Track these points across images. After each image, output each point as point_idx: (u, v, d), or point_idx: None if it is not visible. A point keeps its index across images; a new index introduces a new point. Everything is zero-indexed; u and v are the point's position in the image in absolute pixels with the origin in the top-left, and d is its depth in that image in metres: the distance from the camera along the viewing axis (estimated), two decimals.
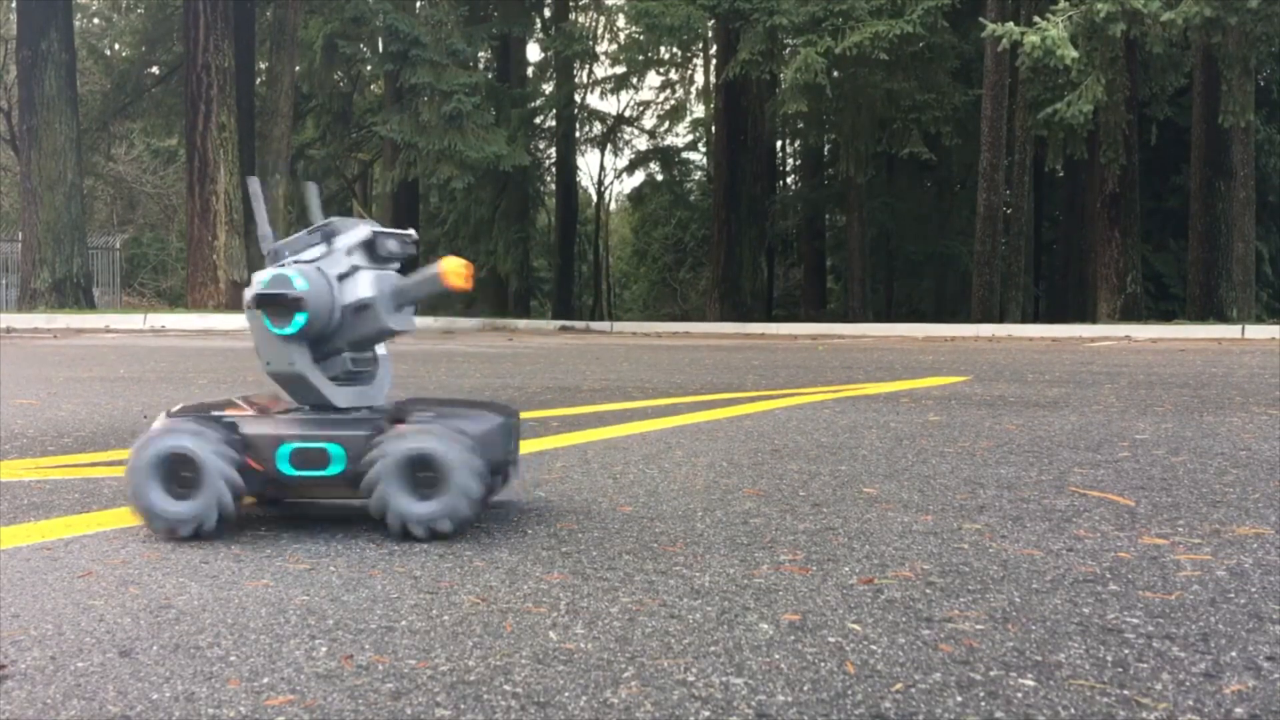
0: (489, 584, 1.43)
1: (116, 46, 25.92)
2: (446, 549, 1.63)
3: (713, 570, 1.51)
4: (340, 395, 1.74)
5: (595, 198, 33.94)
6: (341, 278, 1.70)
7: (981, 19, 16.52)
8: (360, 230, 1.71)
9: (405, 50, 20.30)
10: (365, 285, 1.69)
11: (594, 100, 32.56)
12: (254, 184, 1.85)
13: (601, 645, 1.18)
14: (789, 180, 32.96)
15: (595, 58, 28.58)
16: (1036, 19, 15.25)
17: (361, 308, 1.70)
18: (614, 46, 30.46)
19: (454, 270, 1.65)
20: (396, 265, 1.77)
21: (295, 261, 1.72)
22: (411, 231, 1.79)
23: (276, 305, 1.66)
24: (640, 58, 27.77)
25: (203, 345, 9.62)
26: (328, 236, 1.71)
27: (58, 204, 17.43)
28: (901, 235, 26.61)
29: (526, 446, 2.82)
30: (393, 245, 1.73)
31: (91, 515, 1.88)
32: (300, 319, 1.66)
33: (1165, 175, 23.48)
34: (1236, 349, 10.20)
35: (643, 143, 33.36)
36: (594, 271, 33.04)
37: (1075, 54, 14.67)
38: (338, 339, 1.73)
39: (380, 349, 1.83)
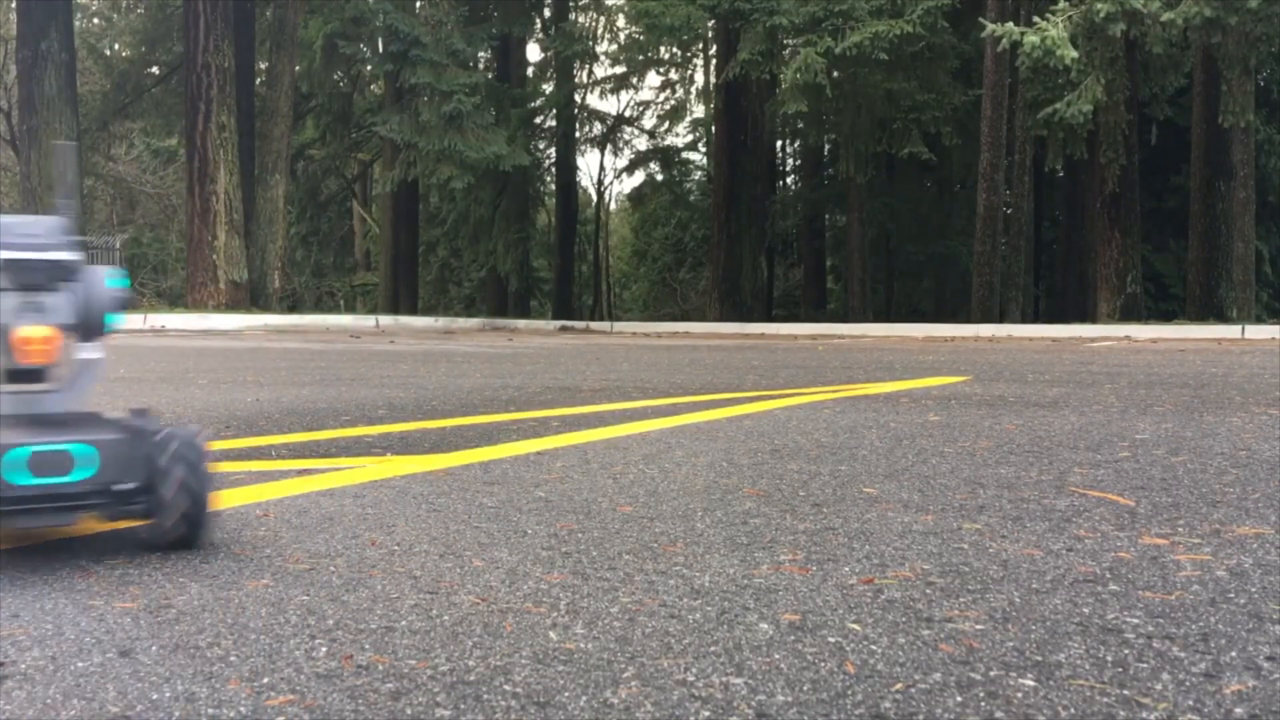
0: (489, 584, 1.43)
1: (116, 46, 25.92)
2: (446, 549, 1.63)
3: (713, 570, 1.51)
4: None
5: (595, 198, 33.93)
6: None
7: (981, 19, 16.52)
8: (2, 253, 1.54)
9: (405, 50, 20.31)
10: None
11: (594, 100, 32.54)
12: (66, 150, 1.75)
13: (601, 645, 1.18)
14: (789, 180, 32.96)
15: (595, 58, 28.59)
16: (1036, 19, 15.25)
17: None
18: (614, 46, 30.47)
19: (20, 343, 1.53)
20: (57, 288, 1.57)
21: None
22: (64, 256, 1.58)
23: None
24: (640, 58, 27.80)
25: (203, 345, 9.62)
26: None
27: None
28: (901, 235, 26.60)
29: (527, 446, 2.82)
30: (36, 276, 1.54)
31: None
32: None
33: (1165, 175, 23.49)
34: (1236, 349, 10.20)
35: (643, 143, 33.38)
36: (594, 271, 33.04)
37: (1075, 54, 14.67)
38: None
39: (91, 352, 1.64)
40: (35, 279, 1.54)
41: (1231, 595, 1.39)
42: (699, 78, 33.27)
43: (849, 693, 1.04)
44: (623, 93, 30.97)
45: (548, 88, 28.74)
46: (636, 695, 1.03)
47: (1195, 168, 20.09)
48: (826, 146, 27.38)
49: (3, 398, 1.57)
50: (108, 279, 1.60)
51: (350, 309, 30.16)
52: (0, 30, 24.98)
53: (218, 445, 2.81)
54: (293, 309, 21.88)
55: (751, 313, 23.68)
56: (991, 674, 1.09)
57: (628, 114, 33.36)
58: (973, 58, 20.55)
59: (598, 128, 31.74)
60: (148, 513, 1.58)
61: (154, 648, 1.17)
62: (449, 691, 1.04)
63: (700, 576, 1.48)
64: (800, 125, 24.67)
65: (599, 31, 31.13)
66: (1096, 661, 1.13)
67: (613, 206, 37.26)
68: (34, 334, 1.51)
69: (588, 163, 77.08)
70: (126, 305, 1.64)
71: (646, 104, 33.98)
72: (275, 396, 4.30)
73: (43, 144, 17.36)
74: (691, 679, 1.07)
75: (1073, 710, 1.00)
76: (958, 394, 4.66)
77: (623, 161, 36.13)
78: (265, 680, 1.07)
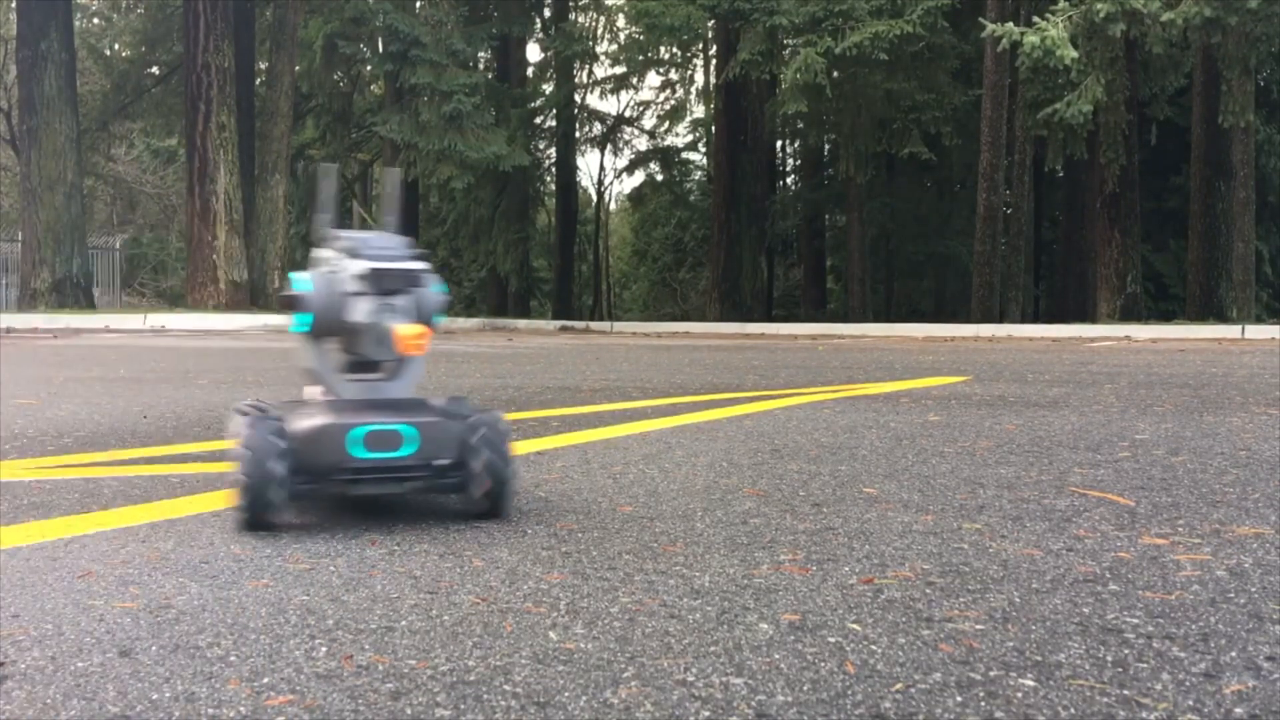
0: (489, 584, 1.43)
1: (116, 46, 25.89)
2: (446, 549, 1.64)
3: (713, 570, 1.51)
4: (348, 389, 1.85)
5: (595, 198, 33.93)
6: (346, 295, 1.81)
7: (981, 19, 16.51)
8: (362, 264, 1.80)
9: (405, 50, 20.30)
10: (357, 313, 1.80)
11: (594, 100, 32.51)
12: (328, 169, 1.97)
13: (601, 645, 1.18)
14: (789, 180, 32.94)
15: (595, 58, 28.57)
16: (1036, 19, 15.24)
17: (354, 330, 1.83)
18: (614, 46, 30.45)
19: (403, 338, 1.76)
20: (407, 292, 1.82)
21: (317, 265, 1.86)
22: (414, 266, 1.83)
23: (288, 303, 1.82)
24: (640, 58, 27.78)
25: (203, 345, 9.63)
26: (348, 252, 1.82)
27: (58, 204, 17.42)
28: (901, 235, 26.59)
29: (527, 446, 2.82)
30: (394, 283, 1.81)
31: (91, 515, 1.88)
32: (302, 319, 1.80)
33: (1165, 175, 23.48)
34: (1236, 349, 10.20)
35: (643, 143, 33.35)
36: (594, 271, 33.03)
37: (1075, 54, 14.66)
38: (347, 346, 1.87)
39: None
40: (392, 285, 1.80)
41: (1231, 595, 1.39)
42: (699, 78, 33.28)
43: (849, 693, 1.04)
44: (623, 93, 30.97)
45: (548, 88, 28.72)
46: (636, 695, 1.03)
47: (1195, 168, 20.09)
48: (826, 146, 27.36)
49: (352, 384, 1.85)
50: (434, 285, 1.88)
51: None
52: (0, 30, 24.96)
53: (216, 445, 2.81)
54: None
55: (751, 313, 23.67)
56: (991, 674, 1.09)
57: (628, 114, 33.35)
58: (973, 58, 20.54)
59: (598, 128, 31.72)
60: (460, 486, 1.84)
61: (154, 648, 1.17)
62: (449, 691, 1.04)
63: (700, 576, 1.48)
64: (800, 125, 24.66)
65: (599, 31, 31.12)
66: (1096, 661, 1.13)
67: (613, 206, 37.27)
68: (412, 331, 1.74)
69: (588, 163, 76.89)
70: (446, 308, 1.92)
71: (646, 104, 33.97)
72: (276, 397, 4.29)
73: (43, 144, 17.34)
74: (691, 679, 1.07)
75: (1073, 710, 1.00)
76: (958, 394, 4.66)
77: (623, 161, 36.09)
78: (265, 680, 1.07)
